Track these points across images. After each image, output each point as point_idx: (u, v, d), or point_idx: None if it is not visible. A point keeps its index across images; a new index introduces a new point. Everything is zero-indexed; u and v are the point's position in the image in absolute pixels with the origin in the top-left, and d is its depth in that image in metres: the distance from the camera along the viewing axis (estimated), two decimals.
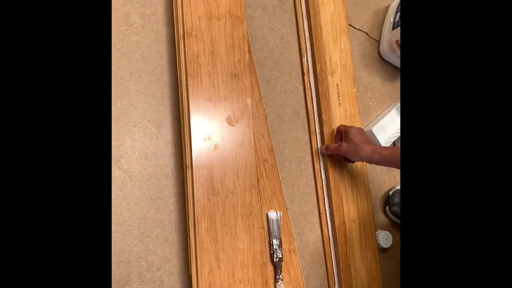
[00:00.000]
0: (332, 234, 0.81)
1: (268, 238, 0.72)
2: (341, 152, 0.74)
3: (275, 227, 0.72)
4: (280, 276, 0.71)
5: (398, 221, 0.88)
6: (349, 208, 0.81)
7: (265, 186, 0.74)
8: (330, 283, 0.79)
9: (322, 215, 0.81)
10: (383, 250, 0.86)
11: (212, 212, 0.64)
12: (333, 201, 0.80)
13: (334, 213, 0.80)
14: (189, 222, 0.64)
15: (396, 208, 0.86)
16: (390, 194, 0.88)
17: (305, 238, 0.78)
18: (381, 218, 0.89)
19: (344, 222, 0.80)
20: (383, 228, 0.87)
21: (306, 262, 0.78)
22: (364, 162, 0.85)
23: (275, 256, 0.71)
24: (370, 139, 0.74)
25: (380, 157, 0.69)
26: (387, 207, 0.88)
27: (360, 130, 0.75)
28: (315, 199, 0.81)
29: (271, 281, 0.71)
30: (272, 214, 0.73)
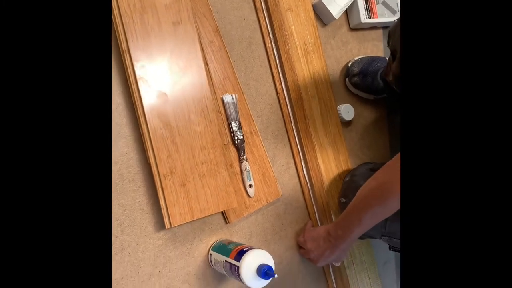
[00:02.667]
0: (292, 113, 0.80)
1: (227, 122, 0.71)
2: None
3: (232, 109, 0.71)
4: (244, 156, 0.72)
5: (358, 92, 0.88)
6: (306, 85, 0.80)
7: (215, 69, 0.71)
8: (296, 160, 0.81)
9: (280, 95, 0.79)
10: (346, 124, 0.87)
11: (160, 98, 0.61)
12: (289, 79, 0.79)
13: (291, 92, 0.79)
14: (138, 112, 0.61)
15: (356, 79, 0.85)
16: (349, 65, 0.87)
17: (266, 119, 0.78)
18: (342, 92, 0.88)
19: (304, 101, 0.79)
20: (345, 102, 0.86)
21: (269, 143, 0.78)
22: (317, 36, 0.82)
23: (236, 138, 0.71)
24: (316, 235, 0.72)
25: (342, 220, 0.65)
26: (347, 79, 0.87)
27: (308, 236, 0.74)
28: (271, 80, 0.79)
29: (236, 163, 0.72)
30: (227, 97, 0.71)
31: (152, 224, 0.64)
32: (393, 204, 0.57)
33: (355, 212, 0.61)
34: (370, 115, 0.91)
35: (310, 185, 0.81)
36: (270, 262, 0.58)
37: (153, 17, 0.61)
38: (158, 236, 0.64)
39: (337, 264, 0.76)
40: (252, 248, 0.59)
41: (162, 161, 0.61)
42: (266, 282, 0.57)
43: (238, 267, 0.56)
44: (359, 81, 0.86)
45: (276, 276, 0.56)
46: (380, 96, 0.90)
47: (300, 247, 0.78)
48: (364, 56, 0.90)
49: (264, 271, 0.55)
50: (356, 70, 0.86)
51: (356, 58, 0.88)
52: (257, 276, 0.56)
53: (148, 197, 0.64)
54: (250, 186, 0.71)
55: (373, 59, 0.87)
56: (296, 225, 0.79)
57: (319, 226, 0.78)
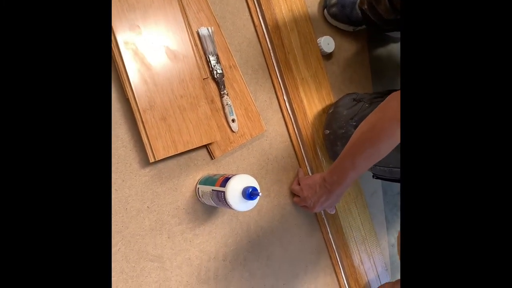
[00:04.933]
0: (272, 47, 0.79)
1: (204, 56, 0.70)
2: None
3: (209, 42, 0.69)
4: (225, 91, 0.71)
5: (337, 24, 0.87)
6: (284, 17, 0.78)
7: (189, 2, 0.69)
8: (278, 95, 0.80)
9: (258, 28, 0.78)
10: (327, 56, 0.86)
11: (132, 30, 0.60)
12: (266, 12, 0.77)
13: (269, 25, 0.78)
14: (113, 47, 0.60)
15: (334, 9, 0.84)
16: None
17: (245, 54, 0.77)
18: (321, 24, 0.87)
19: (282, 32, 0.78)
20: (324, 35, 0.85)
21: (250, 78, 0.77)
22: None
23: (215, 72, 0.70)
24: (311, 182, 0.73)
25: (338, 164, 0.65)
26: (325, 9, 0.85)
27: (304, 184, 0.75)
28: (247, 13, 0.77)
29: (217, 99, 0.71)
30: (203, 30, 0.69)
31: (137, 161, 0.64)
32: (385, 146, 0.57)
33: (349, 156, 0.62)
34: (350, 47, 0.91)
35: (294, 119, 0.81)
36: (255, 184, 0.59)
37: None
38: (143, 172, 0.65)
39: (332, 212, 0.78)
40: (236, 174, 0.60)
41: (141, 95, 0.60)
42: (252, 203, 0.58)
43: (223, 192, 0.57)
44: (337, 11, 0.84)
45: (260, 194, 0.57)
46: (360, 27, 0.88)
47: (294, 195, 0.80)
48: None
49: (249, 193, 0.55)
50: (334, 0, 0.84)
51: None
52: (243, 199, 0.57)
53: (130, 134, 0.64)
54: (233, 121, 0.71)
55: None
56: (282, 159, 0.80)
57: (314, 174, 0.79)
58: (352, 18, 0.85)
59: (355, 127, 0.71)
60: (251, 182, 0.58)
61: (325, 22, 0.87)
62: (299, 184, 0.77)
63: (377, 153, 0.59)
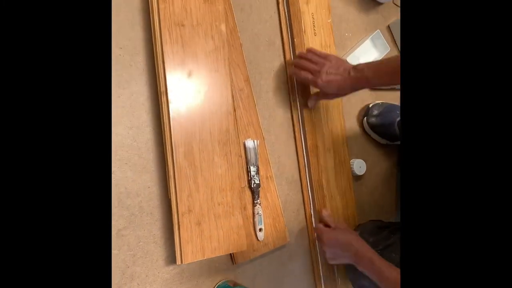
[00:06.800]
0: (307, 163, 0.83)
1: (246, 166, 0.74)
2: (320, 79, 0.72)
3: (252, 154, 0.74)
4: (258, 200, 0.74)
5: (372, 134, 0.92)
6: (324, 138, 0.83)
7: (241, 115, 0.75)
8: (306, 208, 0.83)
9: (298, 145, 0.83)
10: (357, 178, 0.90)
11: (189, 138, 0.65)
12: (309, 131, 0.82)
13: (310, 143, 0.82)
14: (167, 149, 0.64)
15: (374, 120, 0.89)
16: (369, 106, 0.91)
17: (282, 166, 0.81)
18: (356, 131, 0.91)
19: (319, 151, 0.82)
20: (358, 152, 0.90)
21: (283, 189, 0.80)
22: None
23: (253, 182, 0.74)
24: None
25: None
26: (365, 118, 0.90)
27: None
28: (291, 130, 0.83)
29: (249, 206, 0.74)
30: (249, 143, 0.74)
31: (163, 258, 0.66)
32: None
33: None
34: (381, 170, 0.94)
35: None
36: None
37: (193, 63, 0.65)
38: (167, 270, 0.66)
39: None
40: None
41: (183, 199, 0.63)
42: None
43: None
44: (377, 123, 0.89)
45: None
46: (393, 143, 0.93)
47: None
48: (386, 102, 0.94)
49: None
50: (376, 112, 0.89)
51: (377, 101, 0.92)
52: None
53: (163, 231, 0.66)
54: (260, 230, 0.74)
55: (394, 107, 0.91)
56: (299, 274, 0.80)
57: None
58: (388, 133, 0.89)
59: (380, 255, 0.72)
60: None
61: (362, 129, 0.92)
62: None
63: None
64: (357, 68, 0.70)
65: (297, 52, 0.80)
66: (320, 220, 0.80)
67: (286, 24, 0.82)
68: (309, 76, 0.73)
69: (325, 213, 0.79)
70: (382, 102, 0.92)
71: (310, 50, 0.75)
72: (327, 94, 0.75)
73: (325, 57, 0.73)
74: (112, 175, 0.62)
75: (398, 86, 0.81)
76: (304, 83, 0.81)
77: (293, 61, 0.78)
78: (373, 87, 0.67)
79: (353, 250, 0.70)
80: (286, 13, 0.82)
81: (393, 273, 0.63)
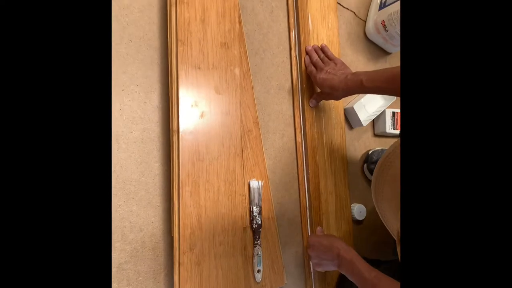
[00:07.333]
0: (309, 205, 0.84)
1: (248, 205, 0.75)
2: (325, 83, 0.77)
3: (256, 195, 0.75)
4: (259, 241, 0.75)
5: None
6: (327, 181, 0.85)
7: (248, 156, 0.76)
8: (305, 251, 0.83)
9: (301, 187, 0.84)
10: (357, 222, 0.91)
11: (196, 177, 0.66)
12: (312, 174, 0.84)
13: (311, 185, 0.84)
14: (174, 186, 0.65)
15: (373, 166, 0.91)
16: (369, 153, 0.93)
17: (284, 207, 0.82)
18: (357, 176, 0.93)
19: (321, 194, 0.84)
20: (359, 197, 0.91)
21: (283, 230, 0.81)
22: (343, 138, 0.88)
23: (255, 222, 0.75)
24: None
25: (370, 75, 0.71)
26: (365, 164, 0.92)
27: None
28: (295, 171, 0.84)
29: (249, 246, 0.75)
30: (254, 183, 0.75)
31: None
32: None
33: None
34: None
35: (314, 281, 0.83)
36: None
37: (206, 105, 0.67)
38: None
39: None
40: None
41: (185, 237, 0.64)
42: None
43: None
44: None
45: None
46: None
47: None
48: (385, 148, 0.95)
49: None
50: (375, 158, 0.91)
51: (377, 148, 0.94)
52: None
53: (163, 267, 0.66)
54: (259, 271, 0.74)
55: None
56: None
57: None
58: None
59: None
60: None
61: (362, 174, 0.94)
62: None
63: None
64: (355, 73, 0.76)
65: (313, 44, 0.85)
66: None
67: (297, 70, 0.84)
68: (314, 70, 0.80)
69: (319, 229, 0.82)
70: (381, 149, 0.94)
71: (323, 48, 0.84)
72: (322, 93, 0.81)
73: (333, 58, 0.82)
74: (118, 209, 0.63)
75: (392, 97, 0.84)
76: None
77: (308, 49, 0.84)
78: (367, 93, 0.73)
79: (335, 251, 0.71)
80: (298, 59, 0.85)
81: (372, 273, 0.64)
